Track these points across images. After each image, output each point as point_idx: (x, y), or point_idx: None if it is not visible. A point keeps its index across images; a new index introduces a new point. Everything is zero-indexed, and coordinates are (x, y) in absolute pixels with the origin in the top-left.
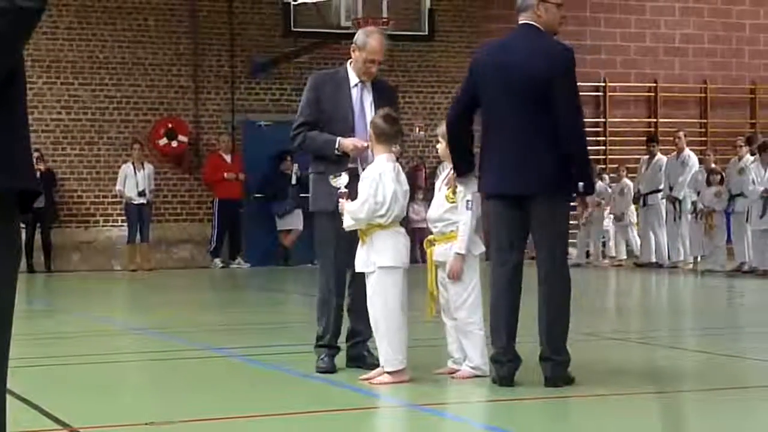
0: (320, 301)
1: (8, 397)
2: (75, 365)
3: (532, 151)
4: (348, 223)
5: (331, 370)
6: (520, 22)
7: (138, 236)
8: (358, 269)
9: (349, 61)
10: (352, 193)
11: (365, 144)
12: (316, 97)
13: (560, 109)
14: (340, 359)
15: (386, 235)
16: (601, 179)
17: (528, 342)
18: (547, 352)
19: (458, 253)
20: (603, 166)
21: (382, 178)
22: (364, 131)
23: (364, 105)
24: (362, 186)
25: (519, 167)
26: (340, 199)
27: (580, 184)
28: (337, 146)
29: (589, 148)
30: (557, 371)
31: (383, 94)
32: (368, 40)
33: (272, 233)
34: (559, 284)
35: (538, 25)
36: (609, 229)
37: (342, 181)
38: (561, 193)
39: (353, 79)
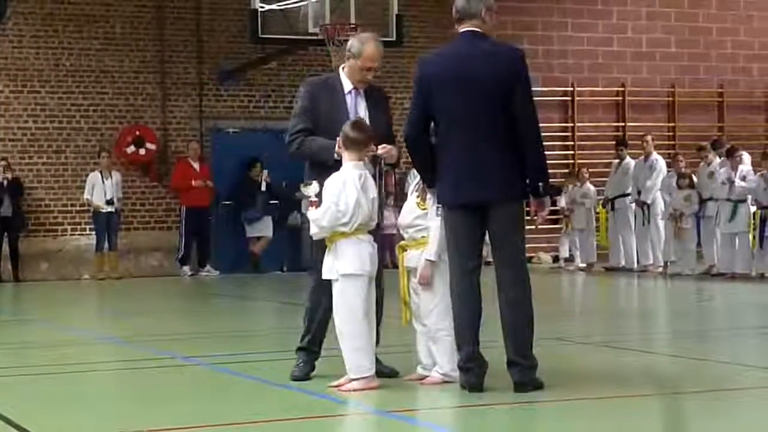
0: (308, 309)
1: None
2: (43, 375)
3: (489, 158)
4: (313, 230)
5: (304, 377)
6: (464, 29)
7: (106, 245)
8: (324, 276)
9: (342, 66)
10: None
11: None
12: (311, 103)
13: (519, 111)
14: (321, 365)
15: (349, 243)
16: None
17: (494, 347)
18: (514, 357)
19: (428, 260)
20: (568, 171)
21: (345, 186)
22: None
23: (358, 111)
24: (325, 194)
25: (475, 176)
26: (310, 207)
27: (540, 185)
28: (336, 150)
29: (557, 152)
30: (525, 376)
31: (377, 101)
32: (364, 47)
33: (241, 240)
34: (520, 288)
35: (482, 32)
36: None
37: (312, 189)
38: (518, 197)
39: (347, 85)
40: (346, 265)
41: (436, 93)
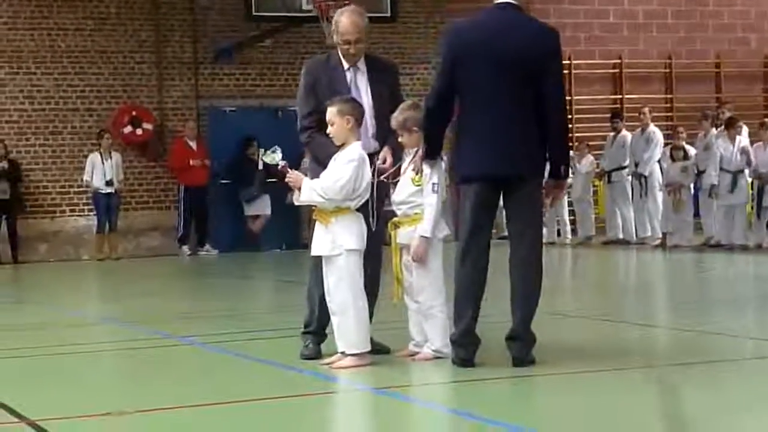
0: (308, 291)
1: None
2: (38, 357)
3: (518, 133)
4: (315, 199)
5: (315, 356)
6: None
7: (106, 225)
8: (318, 253)
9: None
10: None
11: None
12: (313, 84)
13: (549, 92)
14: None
15: (352, 219)
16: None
17: (486, 323)
18: (518, 333)
19: (423, 236)
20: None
21: (363, 164)
22: (369, 113)
23: (359, 88)
24: (344, 168)
25: (503, 149)
26: (288, 172)
27: (562, 167)
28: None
29: None
30: (525, 351)
31: (380, 76)
32: (339, 19)
33: (240, 219)
34: (534, 266)
35: (519, 4)
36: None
37: (278, 156)
38: (540, 175)
39: (345, 63)
40: (351, 241)
41: (464, 64)
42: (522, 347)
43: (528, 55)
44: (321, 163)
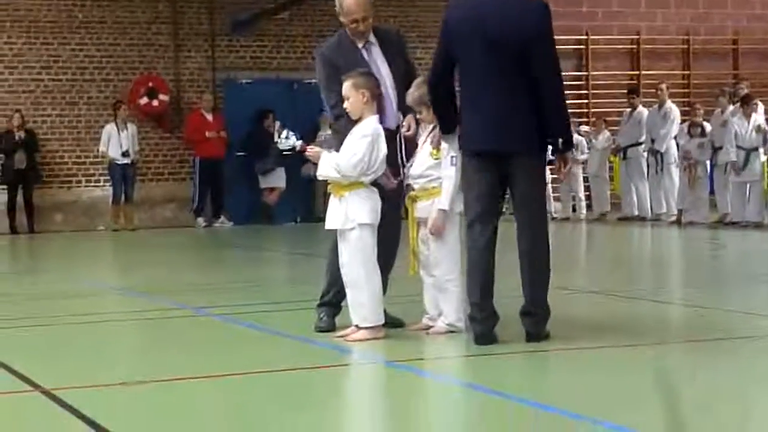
0: (329, 264)
1: None
2: (54, 326)
3: (512, 109)
4: (332, 174)
5: (330, 328)
6: None
7: (122, 196)
8: (332, 226)
9: None
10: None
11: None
12: (334, 70)
13: (540, 66)
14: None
15: (366, 193)
16: (578, 133)
17: (501, 298)
18: (530, 308)
19: (441, 209)
20: (585, 120)
21: (379, 139)
22: (390, 89)
23: (377, 63)
24: (358, 144)
25: (499, 125)
26: (308, 148)
27: (560, 140)
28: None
29: (571, 101)
30: (538, 326)
31: (390, 46)
32: (342, 2)
33: (255, 191)
34: (540, 241)
35: None
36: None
37: (292, 140)
38: (540, 150)
39: (357, 41)
40: (365, 215)
41: (458, 41)
42: (535, 322)
43: (516, 33)
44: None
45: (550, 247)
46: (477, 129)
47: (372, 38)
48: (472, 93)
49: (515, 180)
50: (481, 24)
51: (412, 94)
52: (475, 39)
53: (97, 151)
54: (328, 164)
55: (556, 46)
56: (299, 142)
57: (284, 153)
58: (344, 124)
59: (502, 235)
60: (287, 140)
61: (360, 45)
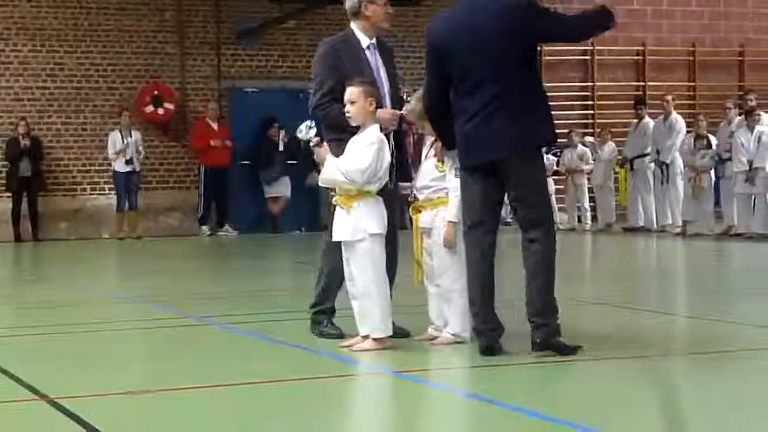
0: (329, 272)
1: None
2: (59, 335)
3: (499, 113)
4: (338, 178)
5: (341, 334)
6: None
7: (126, 204)
8: (340, 238)
9: (352, 25)
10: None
11: (397, 113)
12: (335, 61)
13: (547, 34)
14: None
15: (374, 203)
16: (584, 144)
17: (508, 307)
18: (534, 318)
19: (451, 221)
20: (590, 131)
21: (384, 146)
22: (387, 94)
23: (378, 66)
24: (365, 152)
25: (485, 133)
26: (317, 148)
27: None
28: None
29: (576, 112)
30: (546, 337)
31: (385, 55)
32: None
33: (260, 200)
34: (546, 242)
35: None
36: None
37: (312, 133)
38: (532, 149)
39: (364, 41)
40: (374, 225)
41: (445, 58)
42: (542, 333)
43: (498, 32)
44: (341, 130)
45: (556, 249)
46: (463, 142)
47: (374, 42)
48: (461, 104)
49: (509, 184)
50: (461, 33)
51: (413, 109)
52: (458, 51)
53: (103, 159)
54: (335, 168)
55: (563, 56)
56: (317, 138)
57: (289, 162)
58: (325, 107)
59: (508, 243)
60: (310, 130)
61: (365, 45)
